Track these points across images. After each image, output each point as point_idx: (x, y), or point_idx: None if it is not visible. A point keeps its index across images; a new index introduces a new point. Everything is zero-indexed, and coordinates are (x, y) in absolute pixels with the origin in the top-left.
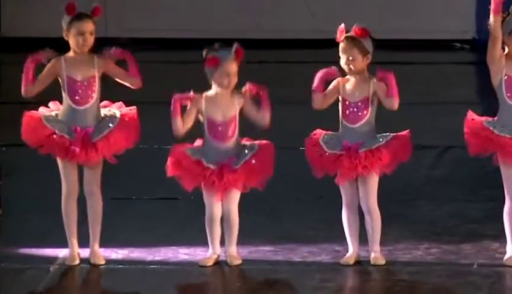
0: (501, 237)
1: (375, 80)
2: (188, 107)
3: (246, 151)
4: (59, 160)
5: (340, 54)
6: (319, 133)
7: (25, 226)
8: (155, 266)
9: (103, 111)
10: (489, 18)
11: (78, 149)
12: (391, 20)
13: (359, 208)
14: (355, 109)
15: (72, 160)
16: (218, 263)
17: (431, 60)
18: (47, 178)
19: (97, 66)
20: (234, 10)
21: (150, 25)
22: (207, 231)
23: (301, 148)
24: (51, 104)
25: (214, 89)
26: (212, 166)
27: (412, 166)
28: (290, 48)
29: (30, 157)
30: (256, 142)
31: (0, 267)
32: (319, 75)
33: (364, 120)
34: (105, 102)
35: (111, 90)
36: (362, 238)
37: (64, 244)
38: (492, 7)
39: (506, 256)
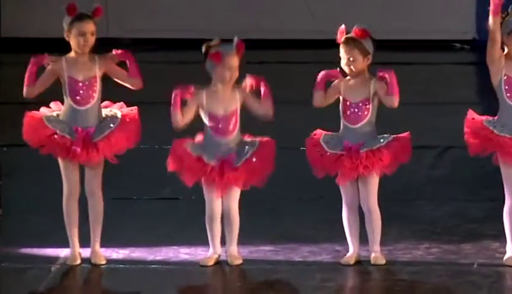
0: (501, 237)
1: (375, 80)
2: (188, 101)
3: (247, 148)
4: (60, 161)
5: (341, 55)
6: (319, 133)
7: (26, 226)
8: (156, 266)
9: (104, 112)
10: (488, 18)
11: (79, 149)
12: (391, 20)
13: (360, 208)
14: (356, 110)
15: (73, 160)
16: (219, 262)
17: (431, 60)
18: (48, 178)
19: (98, 66)
20: (234, 10)
21: (151, 25)
22: (207, 229)
23: (301, 148)
24: (52, 104)
25: (214, 84)
26: (212, 163)
27: (412, 166)
28: (290, 48)
29: (30, 157)
30: (257, 139)
31: (1, 267)
32: (321, 74)
33: (364, 121)
34: (105, 103)
35: (111, 91)
36: (363, 238)
37: (65, 243)
38: (491, 7)
39: (506, 256)
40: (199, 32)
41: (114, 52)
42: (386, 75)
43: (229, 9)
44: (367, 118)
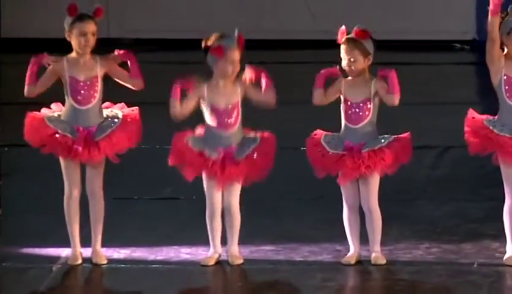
0: (501, 236)
1: (376, 80)
2: (189, 93)
3: (248, 144)
4: (61, 160)
5: (342, 55)
6: (319, 133)
7: (27, 226)
8: (157, 266)
9: (106, 112)
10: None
11: (80, 148)
12: (391, 21)
13: (360, 208)
14: (357, 110)
15: (75, 159)
16: (219, 262)
17: (431, 60)
18: (48, 178)
19: (100, 66)
20: (234, 10)
21: (151, 26)
22: (208, 227)
23: (301, 148)
24: (53, 105)
25: (216, 77)
26: (214, 157)
27: (412, 166)
28: (290, 48)
29: (31, 157)
30: (258, 134)
31: (2, 267)
32: (321, 73)
33: (365, 121)
34: (106, 104)
35: (112, 91)
36: (363, 238)
37: (66, 243)
38: (490, 8)
39: (506, 256)
40: (199, 33)
41: (116, 52)
42: (388, 73)
43: (229, 9)
44: (368, 118)
